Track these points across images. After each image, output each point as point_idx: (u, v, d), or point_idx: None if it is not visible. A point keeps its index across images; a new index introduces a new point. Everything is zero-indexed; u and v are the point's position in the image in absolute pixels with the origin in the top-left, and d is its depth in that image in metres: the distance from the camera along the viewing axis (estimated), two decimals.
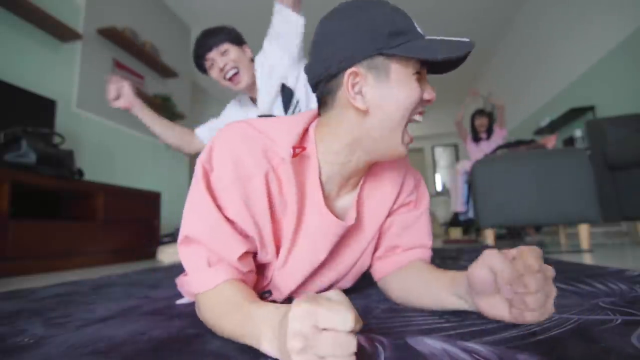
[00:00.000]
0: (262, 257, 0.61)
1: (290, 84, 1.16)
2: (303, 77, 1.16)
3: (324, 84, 0.55)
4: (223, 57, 1.13)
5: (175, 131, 1.30)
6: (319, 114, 0.60)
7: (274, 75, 1.16)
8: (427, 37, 0.53)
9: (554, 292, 0.45)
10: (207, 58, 1.14)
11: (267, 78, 1.17)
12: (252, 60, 1.21)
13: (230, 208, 0.54)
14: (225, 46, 1.13)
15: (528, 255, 0.44)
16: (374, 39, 0.51)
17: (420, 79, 0.54)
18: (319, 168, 0.59)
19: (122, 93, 1.19)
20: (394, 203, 0.68)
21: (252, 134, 0.57)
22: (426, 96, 0.54)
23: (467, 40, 0.51)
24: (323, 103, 0.57)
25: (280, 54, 1.13)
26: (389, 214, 0.69)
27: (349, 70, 0.51)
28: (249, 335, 0.41)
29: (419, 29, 0.53)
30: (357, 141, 0.56)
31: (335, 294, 0.34)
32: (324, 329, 0.31)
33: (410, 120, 0.54)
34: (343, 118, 0.55)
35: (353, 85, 0.52)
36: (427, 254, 0.71)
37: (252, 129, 0.57)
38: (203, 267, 0.53)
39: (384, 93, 0.52)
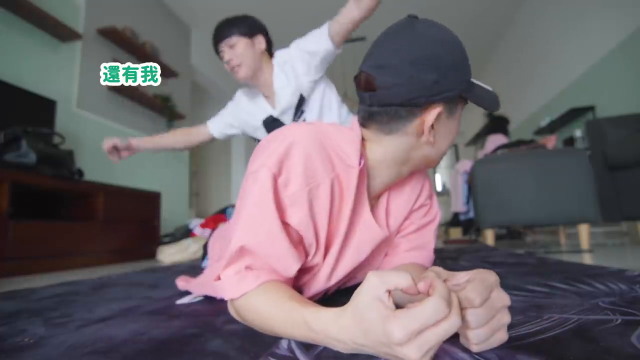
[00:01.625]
0: (310, 262, 0.59)
1: (305, 94, 1.21)
2: (319, 92, 1.22)
3: (397, 107, 0.52)
4: (230, 50, 1.16)
5: (178, 136, 1.40)
6: (362, 125, 0.58)
7: (299, 87, 1.19)
8: (471, 80, 0.56)
9: (505, 321, 0.40)
10: (219, 49, 1.19)
11: (286, 84, 1.19)
12: (268, 49, 1.22)
13: (295, 216, 0.53)
14: (234, 40, 1.16)
15: (472, 286, 0.38)
16: (463, 81, 0.53)
17: None
18: (367, 178, 0.60)
19: (118, 148, 1.32)
20: (412, 207, 0.70)
21: (324, 140, 0.55)
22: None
23: (493, 91, 0.59)
24: (379, 121, 0.54)
25: (306, 69, 1.16)
26: (406, 218, 0.71)
27: (437, 110, 0.52)
28: (305, 336, 0.43)
29: None
30: (406, 161, 0.59)
31: (402, 278, 0.36)
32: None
33: None
34: (404, 144, 0.56)
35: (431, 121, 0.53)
36: (428, 257, 0.71)
37: (323, 134, 0.56)
38: (240, 271, 0.51)
39: (447, 130, 0.56)
